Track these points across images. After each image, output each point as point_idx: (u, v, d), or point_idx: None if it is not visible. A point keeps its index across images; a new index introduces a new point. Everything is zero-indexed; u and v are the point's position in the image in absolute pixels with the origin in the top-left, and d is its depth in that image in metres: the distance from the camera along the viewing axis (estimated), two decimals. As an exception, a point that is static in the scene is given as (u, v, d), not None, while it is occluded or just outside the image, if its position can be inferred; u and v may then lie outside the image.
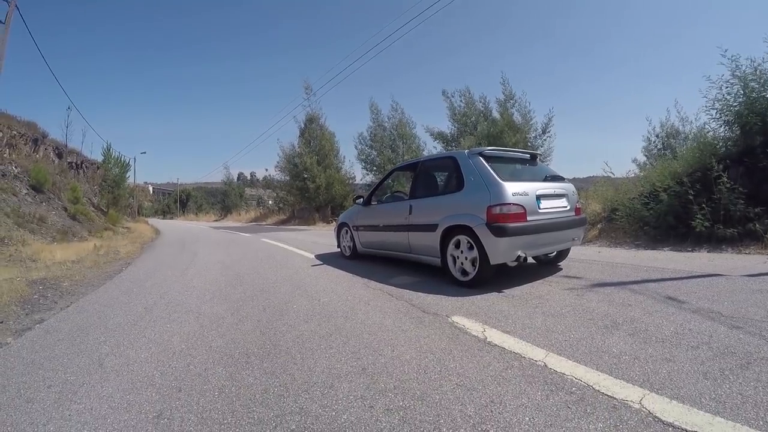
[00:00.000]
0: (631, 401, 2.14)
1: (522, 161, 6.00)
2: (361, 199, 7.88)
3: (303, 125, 33.38)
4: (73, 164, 31.17)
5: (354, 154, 55.16)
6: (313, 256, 8.91)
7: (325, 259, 8.42)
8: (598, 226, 10.12)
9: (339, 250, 8.72)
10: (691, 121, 16.52)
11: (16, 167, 18.96)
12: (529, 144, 18.58)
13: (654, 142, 20.28)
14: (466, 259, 5.04)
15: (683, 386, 2.28)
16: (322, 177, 30.46)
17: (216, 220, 55.44)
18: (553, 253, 6.18)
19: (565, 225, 5.38)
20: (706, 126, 9.26)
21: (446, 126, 21.91)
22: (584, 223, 6.05)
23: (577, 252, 7.70)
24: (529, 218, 4.83)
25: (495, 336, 3.25)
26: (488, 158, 5.28)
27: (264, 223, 37.70)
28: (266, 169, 57.38)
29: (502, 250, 4.69)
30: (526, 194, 4.90)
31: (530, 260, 6.55)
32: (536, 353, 2.86)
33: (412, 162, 7.18)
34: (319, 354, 3.04)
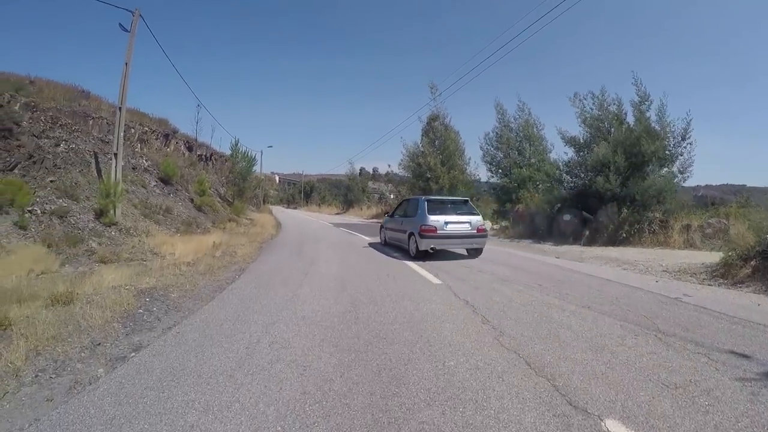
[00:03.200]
0: None
1: (454, 203, 12.32)
2: (387, 215, 15.14)
3: (426, 123, 33.19)
4: (203, 156, 33.71)
5: (478, 154, 54.31)
6: (437, 280, 8.16)
7: (452, 285, 7.66)
8: (752, 263, 8.13)
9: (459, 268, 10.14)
10: None
11: (146, 161, 20.66)
12: (667, 152, 16.40)
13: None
14: (412, 245, 11.34)
15: None
16: (445, 178, 29.94)
17: (337, 213, 57.59)
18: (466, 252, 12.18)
19: (464, 236, 11.28)
20: None
21: (577, 130, 20.21)
22: (484, 236, 11.73)
23: (728, 300, 6.67)
24: (438, 231, 10.75)
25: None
26: (429, 201, 11.61)
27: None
28: (389, 165, 64.24)
29: (423, 244, 10.76)
30: (438, 221, 10.86)
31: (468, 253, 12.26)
32: None
33: (407, 198, 14.91)
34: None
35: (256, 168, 36.71)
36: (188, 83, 74.24)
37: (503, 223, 23.82)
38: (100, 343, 4.43)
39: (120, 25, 14.67)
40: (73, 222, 12.83)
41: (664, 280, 8.49)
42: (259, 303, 6.16)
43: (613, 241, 15.46)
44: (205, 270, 8.69)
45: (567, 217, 17.62)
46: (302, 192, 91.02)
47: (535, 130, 27.94)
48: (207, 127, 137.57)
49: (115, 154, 14.30)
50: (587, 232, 16.44)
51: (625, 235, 15.39)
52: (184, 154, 29.32)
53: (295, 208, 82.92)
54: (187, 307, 6.03)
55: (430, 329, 4.96)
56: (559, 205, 18.68)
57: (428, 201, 11.59)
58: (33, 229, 11.59)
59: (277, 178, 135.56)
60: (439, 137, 32.04)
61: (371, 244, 15.23)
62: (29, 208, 12.07)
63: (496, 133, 28.64)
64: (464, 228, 11.24)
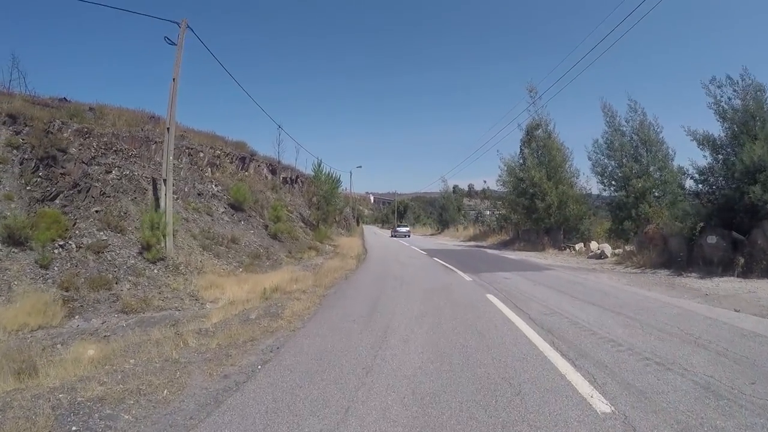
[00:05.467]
0: None
1: (405, 224, 65.15)
2: (391, 228, 65.75)
3: (526, 133, 29.76)
4: (288, 179, 32.43)
5: (586, 164, 50.45)
6: (604, 404, 3.37)
7: (633, 417, 3.76)
8: None
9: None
10: None
11: (216, 186, 19.01)
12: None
13: None
14: (397, 235, 53.27)
15: None
16: (553, 194, 26.08)
17: (432, 235, 60.51)
18: (405, 237, 49.44)
19: (404, 233, 53.36)
20: None
21: (713, 127, 15.73)
22: (409, 232, 56.44)
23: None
24: (398, 232, 55.05)
25: None
26: (398, 225, 64.11)
27: (484, 243, 34.70)
28: (485, 181, 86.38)
29: (394, 235, 53.43)
30: (399, 227, 59.54)
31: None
32: None
33: (394, 223, 74.94)
34: None
35: (346, 188, 44.90)
36: (270, 101, 75.51)
37: (627, 248, 18.58)
38: None
39: (166, 38, 13.41)
40: (110, 258, 10.97)
41: None
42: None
43: (776, 270, 11.61)
44: (220, 348, 5.66)
45: (712, 239, 13.28)
46: (396, 212, 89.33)
47: (652, 132, 22.98)
48: (291, 148, 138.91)
49: (164, 180, 12.40)
50: (741, 260, 12.25)
51: (792, 262, 11.56)
52: (266, 177, 28.02)
53: (389, 228, 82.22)
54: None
55: None
56: (702, 224, 14.41)
57: (398, 225, 62.92)
58: (57, 268, 9.81)
59: (371, 198, 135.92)
60: (541, 147, 28.49)
61: (474, 291, 10.17)
62: (61, 243, 10.28)
63: (606, 139, 23.89)
64: (405, 230, 54.70)
